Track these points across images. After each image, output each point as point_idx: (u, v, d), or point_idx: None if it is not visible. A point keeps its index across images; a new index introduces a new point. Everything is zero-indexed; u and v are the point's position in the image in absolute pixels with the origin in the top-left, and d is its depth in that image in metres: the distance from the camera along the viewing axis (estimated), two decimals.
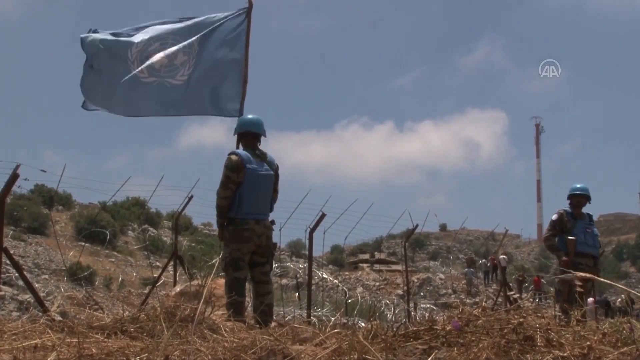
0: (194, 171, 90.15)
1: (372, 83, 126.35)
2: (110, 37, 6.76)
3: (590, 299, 7.68)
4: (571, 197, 6.84)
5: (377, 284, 30.58)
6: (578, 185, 6.88)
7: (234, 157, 4.88)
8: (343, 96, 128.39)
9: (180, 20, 6.93)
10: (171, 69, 6.65)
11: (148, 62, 6.59)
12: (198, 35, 6.75)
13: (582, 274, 2.53)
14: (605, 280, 2.64)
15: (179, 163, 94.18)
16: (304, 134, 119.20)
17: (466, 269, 30.22)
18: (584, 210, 6.87)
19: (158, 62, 6.62)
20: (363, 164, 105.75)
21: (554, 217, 6.80)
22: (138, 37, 6.73)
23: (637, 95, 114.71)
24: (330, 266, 37.49)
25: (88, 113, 6.88)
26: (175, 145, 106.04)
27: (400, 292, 26.50)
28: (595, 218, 7.14)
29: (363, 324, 7.57)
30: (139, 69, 6.56)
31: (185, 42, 6.70)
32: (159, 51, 6.67)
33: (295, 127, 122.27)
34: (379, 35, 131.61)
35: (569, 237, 6.54)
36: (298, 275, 14.72)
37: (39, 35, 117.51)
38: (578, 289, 5.86)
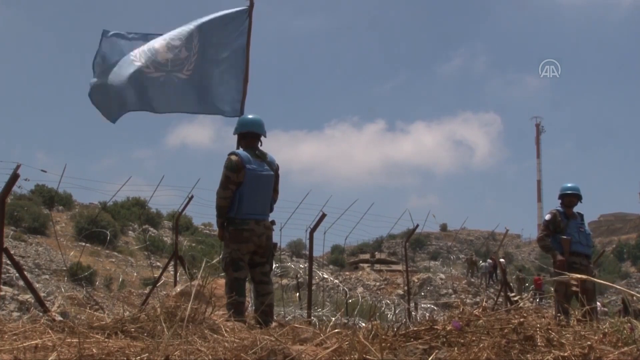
0: (185, 170, 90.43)
1: (364, 83, 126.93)
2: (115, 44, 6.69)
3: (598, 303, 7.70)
4: (562, 196, 6.84)
5: (378, 284, 30.55)
6: (569, 185, 6.87)
7: (233, 158, 4.87)
8: (334, 96, 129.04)
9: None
10: (177, 62, 6.59)
11: (152, 58, 6.54)
12: (198, 32, 6.71)
13: (573, 276, 2.53)
14: (599, 281, 2.64)
15: (169, 163, 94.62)
16: (294, 133, 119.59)
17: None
18: (577, 209, 6.88)
19: (162, 55, 6.56)
20: (354, 164, 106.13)
21: (547, 217, 6.80)
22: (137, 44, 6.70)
23: (635, 95, 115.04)
24: (331, 266, 37.51)
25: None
26: (163, 145, 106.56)
27: (400, 292, 26.47)
28: (595, 218, 7.21)
29: (363, 324, 7.57)
30: (144, 63, 6.50)
31: (184, 38, 6.68)
32: (159, 41, 6.61)
33: (285, 126, 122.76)
34: (371, 36, 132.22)
35: (564, 237, 6.55)
36: (298, 276, 14.71)
37: (27, 40, 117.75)
38: (574, 288, 5.86)
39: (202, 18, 6.84)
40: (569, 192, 6.80)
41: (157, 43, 6.62)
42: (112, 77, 6.54)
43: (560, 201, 6.87)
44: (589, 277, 2.78)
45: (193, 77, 6.62)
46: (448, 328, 2.36)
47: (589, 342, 2.17)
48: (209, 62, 6.71)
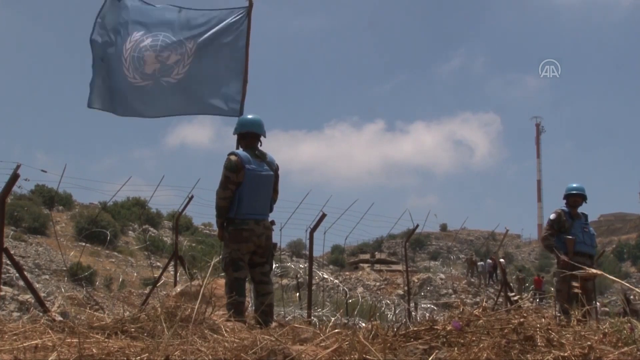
0: (184, 170, 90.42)
1: (364, 83, 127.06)
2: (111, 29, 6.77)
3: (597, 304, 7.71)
4: (567, 197, 6.85)
5: (378, 284, 30.55)
6: (574, 185, 6.88)
7: (233, 158, 4.87)
8: (334, 96, 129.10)
9: (172, 9, 6.91)
10: (165, 69, 6.64)
11: (140, 69, 6.62)
12: (192, 34, 6.73)
13: (591, 271, 2.53)
14: (610, 277, 2.64)
15: (169, 163, 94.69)
16: (293, 133, 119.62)
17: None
18: (580, 210, 6.88)
19: (150, 67, 6.65)
20: (354, 164, 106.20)
21: (552, 216, 6.80)
22: (132, 30, 6.76)
23: (635, 95, 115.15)
24: (331, 266, 37.51)
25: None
26: (163, 145, 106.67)
27: (400, 292, 26.46)
28: (595, 218, 7.24)
29: (363, 324, 7.57)
30: (132, 74, 6.60)
31: (176, 40, 6.71)
32: (149, 50, 6.68)
33: (285, 126, 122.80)
34: (370, 36, 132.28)
35: (568, 237, 6.55)
36: (298, 276, 14.70)
37: (27, 40, 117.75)
38: (576, 290, 5.85)
39: (195, 14, 6.84)
40: (574, 192, 6.81)
41: (147, 52, 6.67)
42: (104, 70, 6.66)
43: (565, 201, 6.88)
44: (602, 273, 2.76)
45: (185, 80, 6.64)
46: (448, 328, 2.36)
47: (589, 342, 2.17)
48: (207, 62, 6.71)
